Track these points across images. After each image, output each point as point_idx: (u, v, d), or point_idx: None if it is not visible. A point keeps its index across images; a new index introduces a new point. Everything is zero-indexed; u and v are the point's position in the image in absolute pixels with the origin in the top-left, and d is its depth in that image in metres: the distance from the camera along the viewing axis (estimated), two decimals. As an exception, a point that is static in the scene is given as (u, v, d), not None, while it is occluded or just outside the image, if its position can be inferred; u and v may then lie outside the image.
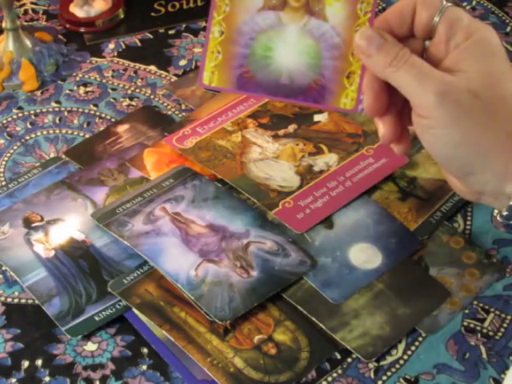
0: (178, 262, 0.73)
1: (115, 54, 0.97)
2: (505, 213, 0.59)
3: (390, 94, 0.60)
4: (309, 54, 0.60)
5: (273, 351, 0.68)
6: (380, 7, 1.02)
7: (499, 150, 0.57)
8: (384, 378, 0.68)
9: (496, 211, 0.60)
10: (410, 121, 0.59)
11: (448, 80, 0.57)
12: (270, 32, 0.60)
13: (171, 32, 0.99)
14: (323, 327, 0.70)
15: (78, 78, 0.94)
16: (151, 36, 0.99)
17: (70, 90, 0.92)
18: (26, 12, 1.03)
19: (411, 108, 0.58)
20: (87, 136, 0.87)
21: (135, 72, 0.94)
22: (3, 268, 0.75)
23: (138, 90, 0.92)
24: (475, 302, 0.72)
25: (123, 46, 0.98)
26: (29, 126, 0.88)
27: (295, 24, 0.60)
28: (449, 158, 0.59)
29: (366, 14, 0.60)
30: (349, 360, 0.69)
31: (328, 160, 0.82)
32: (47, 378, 0.68)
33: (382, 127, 0.62)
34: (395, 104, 0.61)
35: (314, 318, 0.70)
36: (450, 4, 0.59)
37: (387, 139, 0.62)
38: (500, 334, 0.70)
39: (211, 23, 0.60)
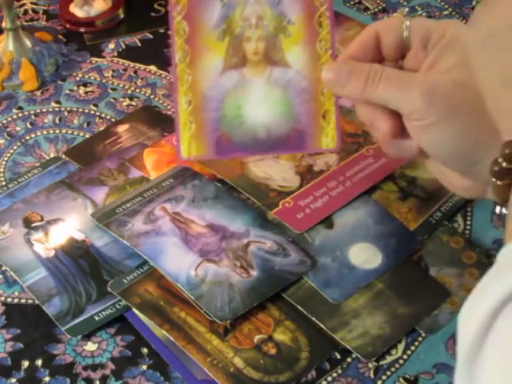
0: (177, 262, 0.73)
1: (115, 54, 0.97)
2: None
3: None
4: (280, 103, 0.60)
5: (273, 351, 0.68)
6: (380, 7, 1.02)
7: (498, 133, 0.57)
8: (384, 377, 0.68)
9: (498, 208, 0.60)
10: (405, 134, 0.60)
11: (431, 78, 0.57)
12: (236, 91, 0.60)
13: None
14: (323, 327, 0.70)
15: (77, 78, 0.94)
16: (151, 36, 0.99)
17: (70, 90, 0.92)
18: (26, 12, 1.03)
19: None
20: (87, 136, 0.87)
21: (135, 72, 0.94)
22: (3, 268, 0.75)
23: (138, 90, 0.92)
24: (475, 302, 0.72)
25: (123, 46, 0.98)
26: (29, 126, 0.88)
27: (260, 77, 0.60)
28: (453, 152, 0.59)
29: (326, 51, 0.60)
30: (349, 360, 0.69)
31: (328, 160, 0.82)
32: (47, 378, 0.68)
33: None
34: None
35: (313, 318, 0.70)
36: (408, 17, 0.60)
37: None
38: (500, 333, 0.70)
39: (177, 95, 0.60)
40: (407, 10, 0.63)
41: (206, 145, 0.60)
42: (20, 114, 0.90)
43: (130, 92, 0.92)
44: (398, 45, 0.60)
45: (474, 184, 0.61)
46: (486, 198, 0.62)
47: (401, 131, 0.61)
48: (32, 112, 0.90)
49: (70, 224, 0.77)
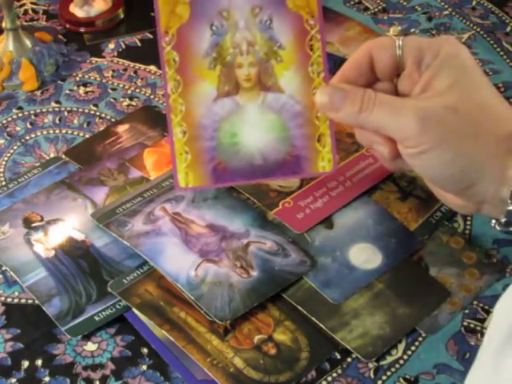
0: (177, 262, 0.73)
1: (115, 54, 0.97)
2: (503, 219, 0.59)
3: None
4: (275, 128, 0.60)
5: (273, 351, 0.68)
6: (380, 7, 1.02)
7: (492, 155, 0.57)
8: (384, 377, 0.68)
9: (493, 221, 0.60)
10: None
11: (424, 104, 0.57)
12: (231, 118, 0.60)
13: (171, 32, 0.99)
14: (323, 327, 0.70)
15: (77, 78, 0.94)
16: (151, 36, 0.99)
17: (70, 90, 0.92)
18: (26, 12, 1.03)
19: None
20: (87, 136, 0.87)
21: (135, 72, 0.94)
22: (3, 268, 0.75)
23: (138, 90, 0.92)
24: (475, 302, 0.72)
25: (123, 46, 0.98)
26: (29, 126, 0.88)
27: (253, 103, 0.60)
28: (446, 177, 0.59)
29: (319, 75, 0.60)
30: (349, 360, 0.69)
31: (328, 160, 0.82)
32: (47, 378, 0.68)
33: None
34: None
35: (313, 318, 0.70)
36: (402, 36, 0.60)
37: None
38: (500, 334, 0.70)
39: (171, 126, 0.60)
40: (400, 28, 0.63)
41: (203, 174, 0.60)
42: (20, 114, 0.90)
43: (130, 92, 0.92)
44: (391, 64, 0.60)
45: (469, 203, 0.61)
46: (480, 214, 0.62)
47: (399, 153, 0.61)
48: (32, 112, 0.90)
49: (70, 224, 0.77)
